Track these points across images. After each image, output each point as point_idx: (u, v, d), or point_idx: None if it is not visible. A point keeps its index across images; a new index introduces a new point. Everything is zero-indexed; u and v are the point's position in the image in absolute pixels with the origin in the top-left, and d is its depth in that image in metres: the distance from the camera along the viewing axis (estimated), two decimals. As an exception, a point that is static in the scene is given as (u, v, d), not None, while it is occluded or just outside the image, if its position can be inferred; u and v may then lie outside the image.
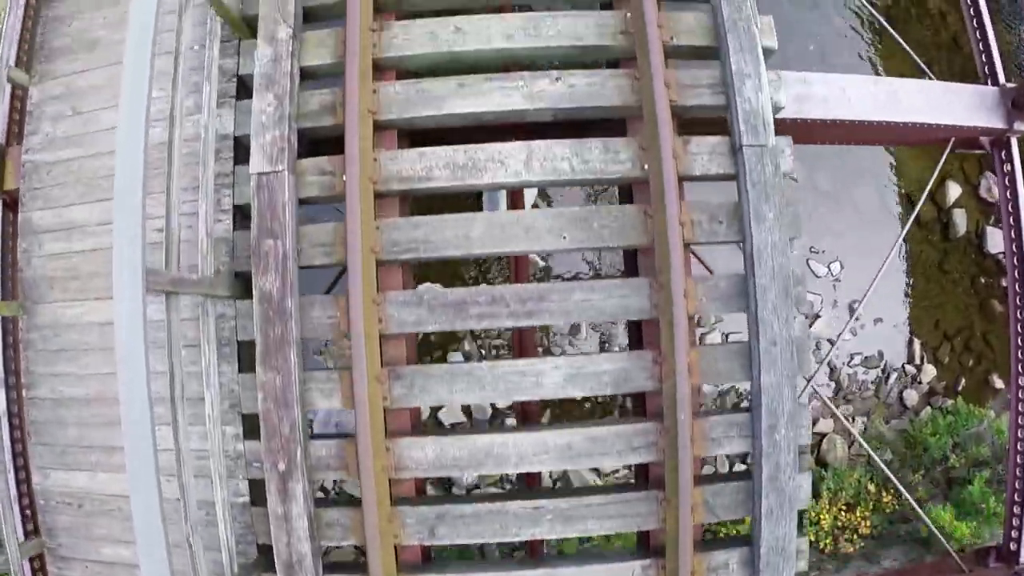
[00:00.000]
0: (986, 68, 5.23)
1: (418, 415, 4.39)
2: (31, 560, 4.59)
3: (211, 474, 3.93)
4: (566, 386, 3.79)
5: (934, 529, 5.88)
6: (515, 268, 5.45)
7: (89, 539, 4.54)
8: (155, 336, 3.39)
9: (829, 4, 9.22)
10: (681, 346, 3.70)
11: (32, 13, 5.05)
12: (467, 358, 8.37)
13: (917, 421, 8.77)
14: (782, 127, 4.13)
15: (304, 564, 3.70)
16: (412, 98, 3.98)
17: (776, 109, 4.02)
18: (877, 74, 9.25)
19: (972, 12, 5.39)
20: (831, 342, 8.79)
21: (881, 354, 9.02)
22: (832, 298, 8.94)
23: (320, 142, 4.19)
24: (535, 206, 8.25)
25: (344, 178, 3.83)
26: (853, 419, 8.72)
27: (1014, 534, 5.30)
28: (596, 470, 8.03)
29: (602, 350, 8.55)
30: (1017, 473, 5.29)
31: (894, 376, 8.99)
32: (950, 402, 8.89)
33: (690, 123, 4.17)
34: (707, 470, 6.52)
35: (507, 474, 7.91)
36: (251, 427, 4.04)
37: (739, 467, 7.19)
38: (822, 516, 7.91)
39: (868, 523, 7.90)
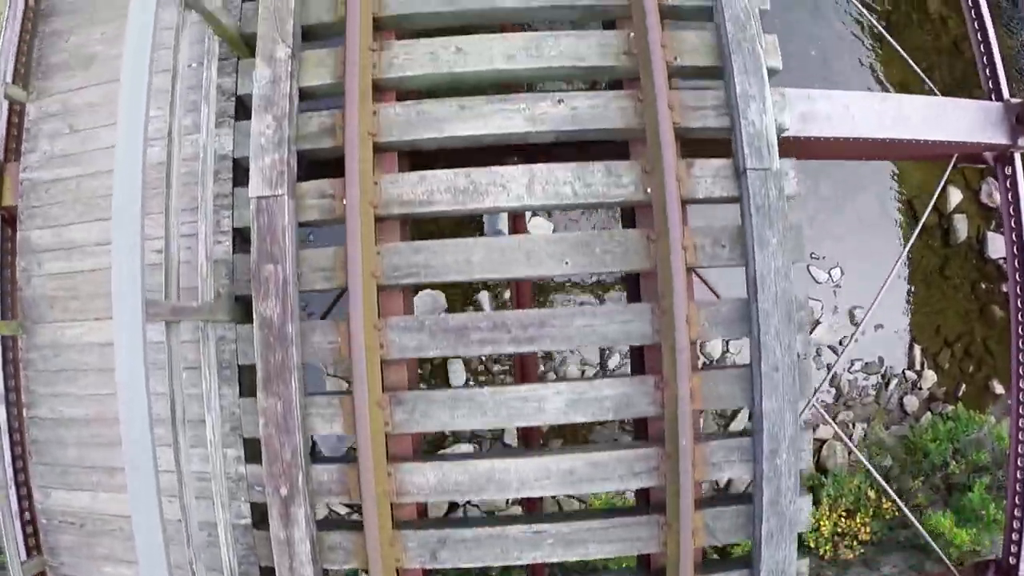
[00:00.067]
0: (990, 83, 5.19)
1: (420, 439, 4.38)
2: (33, 579, 4.60)
3: (213, 496, 3.93)
4: (568, 412, 3.79)
5: (931, 541, 5.90)
6: (517, 293, 5.42)
7: (91, 559, 4.54)
8: (155, 358, 3.38)
9: (830, 9, 9.16)
10: (683, 372, 3.69)
11: (30, 26, 5.01)
12: (467, 373, 8.36)
13: (917, 427, 8.78)
14: (785, 144, 4.10)
15: (306, 588, 3.71)
16: (413, 120, 3.95)
17: (780, 130, 4.00)
18: (878, 78, 9.20)
19: (976, 26, 5.35)
20: (832, 348, 8.80)
21: (881, 360, 9.02)
22: (832, 304, 8.94)
23: (320, 163, 4.16)
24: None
25: (344, 202, 3.80)
26: (853, 425, 8.73)
27: (1013, 548, 5.31)
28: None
29: (602, 357, 8.54)
30: (1017, 488, 5.29)
31: (894, 382, 9.00)
32: (950, 408, 8.90)
33: (694, 141, 4.14)
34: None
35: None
36: (253, 450, 4.04)
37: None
38: (822, 522, 7.93)
39: (868, 529, 7.92)
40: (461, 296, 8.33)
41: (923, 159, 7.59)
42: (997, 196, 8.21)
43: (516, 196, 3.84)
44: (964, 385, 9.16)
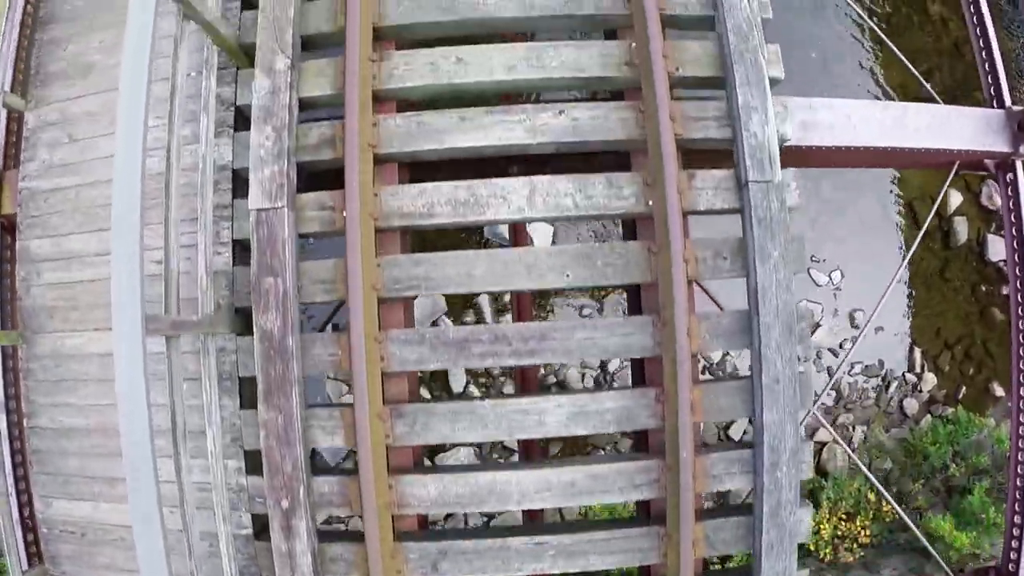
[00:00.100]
0: (992, 90, 5.17)
1: (421, 450, 4.38)
2: (34, 588, 4.60)
3: (214, 507, 3.93)
4: (569, 424, 3.79)
5: (929, 547, 5.89)
6: (517, 304, 5.41)
7: (92, 568, 4.54)
8: (155, 368, 3.37)
9: (831, 11, 9.12)
10: (684, 384, 3.69)
11: (28, 32, 4.98)
12: (467, 376, 8.35)
13: (917, 430, 8.80)
14: (786, 153, 4.09)
15: (308, 600, 3.72)
16: (413, 132, 3.94)
17: (782, 141, 3.99)
18: (878, 81, 9.19)
19: (979, 32, 5.32)
20: (832, 351, 8.80)
21: (882, 363, 9.02)
22: (833, 307, 8.94)
23: (320, 173, 4.15)
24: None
25: (344, 214, 3.79)
26: (853, 428, 8.75)
27: (1013, 554, 5.31)
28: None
29: (602, 361, 8.54)
30: (1018, 492, 5.29)
31: (894, 385, 9.01)
32: (950, 411, 8.92)
33: (694, 150, 4.13)
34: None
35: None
36: (254, 462, 4.04)
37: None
38: (822, 525, 7.95)
39: (868, 532, 7.95)
40: (461, 299, 8.32)
41: (924, 167, 7.57)
42: (998, 199, 8.21)
43: (517, 208, 3.82)
44: (964, 388, 9.17)
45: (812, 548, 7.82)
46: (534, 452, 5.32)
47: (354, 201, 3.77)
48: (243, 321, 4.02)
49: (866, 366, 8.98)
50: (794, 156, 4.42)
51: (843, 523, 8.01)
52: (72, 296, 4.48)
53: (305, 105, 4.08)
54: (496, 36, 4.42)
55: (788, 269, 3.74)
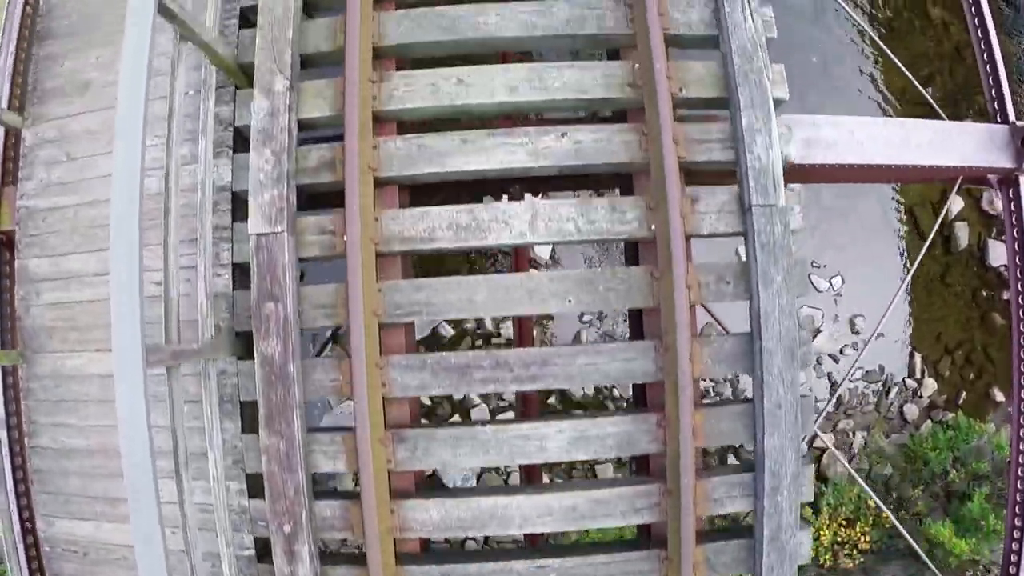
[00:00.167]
0: (995, 104, 5.13)
1: (422, 473, 4.38)
2: (37, 607, 4.61)
3: (216, 528, 3.93)
4: (570, 449, 3.78)
5: (925, 557, 5.91)
6: (519, 327, 5.40)
7: (94, 587, 4.55)
8: (155, 390, 3.34)
9: (831, 16, 9.06)
10: (686, 409, 3.68)
11: (25, 47, 4.93)
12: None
13: (917, 435, 8.81)
14: (789, 171, 4.06)
15: (311, 625, 3.73)
16: (414, 154, 3.91)
17: (786, 162, 3.96)
18: (878, 87, 9.13)
19: (983, 46, 5.28)
20: (832, 356, 8.80)
21: (882, 368, 9.02)
22: (833, 313, 8.93)
23: (320, 195, 4.12)
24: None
25: (345, 238, 3.77)
26: (853, 433, 8.76)
27: (1013, 558, 5.32)
28: (609, 461, 8.05)
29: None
30: (1017, 498, 5.28)
31: (895, 390, 9.01)
32: (951, 416, 8.93)
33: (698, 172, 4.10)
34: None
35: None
36: (255, 484, 4.03)
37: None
38: (822, 532, 7.98)
39: (867, 538, 7.98)
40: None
41: (926, 182, 7.54)
42: (998, 203, 8.18)
43: (519, 232, 3.80)
44: (964, 393, 9.18)
45: (812, 554, 7.84)
46: (535, 471, 5.33)
47: (355, 225, 3.75)
48: (243, 344, 4.01)
49: (866, 371, 8.98)
50: (797, 174, 4.40)
51: (843, 529, 8.04)
52: (71, 316, 4.46)
53: (304, 126, 4.04)
54: (497, 56, 4.38)
55: (791, 294, 3.72)
